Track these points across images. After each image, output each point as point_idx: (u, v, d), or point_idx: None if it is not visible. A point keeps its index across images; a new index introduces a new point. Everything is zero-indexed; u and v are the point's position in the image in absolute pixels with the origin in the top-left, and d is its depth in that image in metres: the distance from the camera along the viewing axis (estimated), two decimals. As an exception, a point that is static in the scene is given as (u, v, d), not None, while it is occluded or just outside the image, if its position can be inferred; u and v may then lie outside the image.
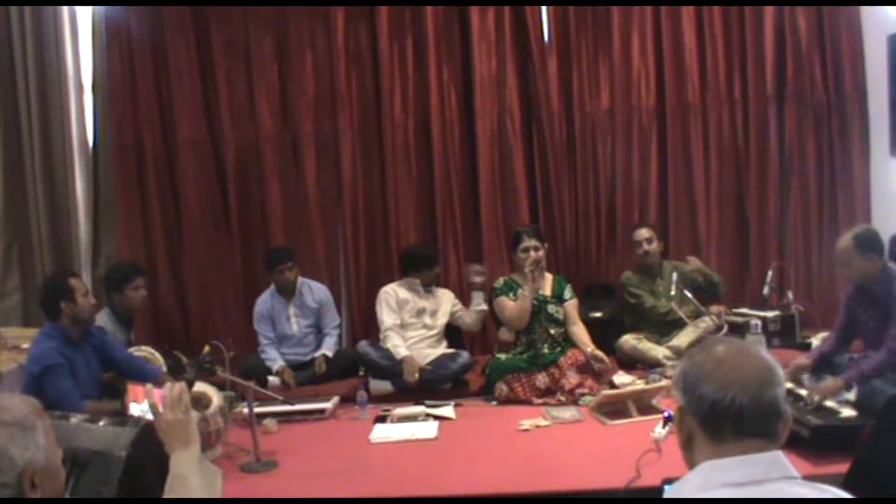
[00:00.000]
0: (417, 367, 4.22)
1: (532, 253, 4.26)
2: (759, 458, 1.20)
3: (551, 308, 4.32)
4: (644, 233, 4.61)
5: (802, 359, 3.55)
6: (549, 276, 4.43)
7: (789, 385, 3.38)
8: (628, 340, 4.49)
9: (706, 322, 4.39)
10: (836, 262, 3.39)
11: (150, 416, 1.95)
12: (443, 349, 4.45)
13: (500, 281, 4.43)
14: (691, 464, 1.26)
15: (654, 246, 4.59)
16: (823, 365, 3.53)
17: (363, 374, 4.26)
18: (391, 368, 4.23)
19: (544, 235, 4.59)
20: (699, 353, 1.28)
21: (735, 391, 1.20)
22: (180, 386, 1.72)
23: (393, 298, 4.49)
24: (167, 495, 1.62)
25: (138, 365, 3.62)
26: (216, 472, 1.69)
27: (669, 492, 1.25)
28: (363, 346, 4.39)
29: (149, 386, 1.73)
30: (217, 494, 1.66)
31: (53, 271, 4.69)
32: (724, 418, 1.21)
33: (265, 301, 4.66)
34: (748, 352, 1.27)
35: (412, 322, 4.47)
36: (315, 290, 4.72)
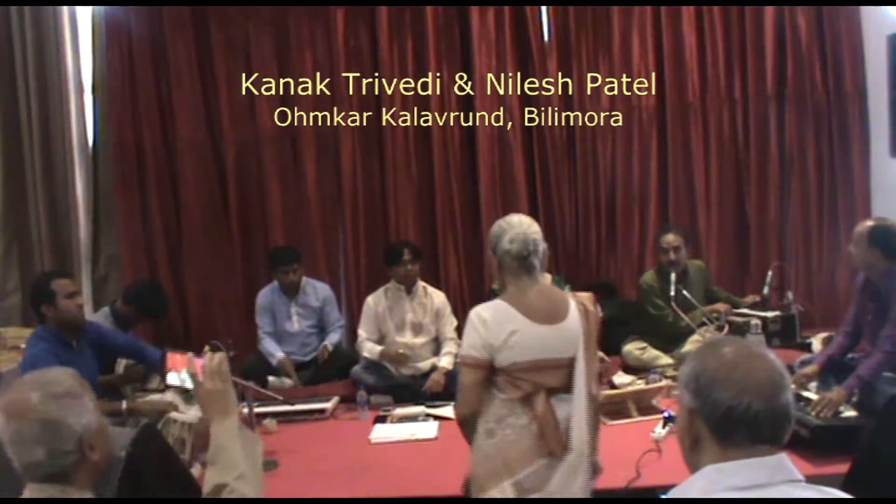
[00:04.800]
0: (394, 352, 4.24)
1: None
2: (763, 461, 1.19)
3: None
4: (671, 239, 4.41)
5: (809, 368, 3.51)
6: (547, 276, 4.42)
7: (794, 388, 3.36)
8: (631, 351, 4.46)
9: (710, 331, 4.35)
10: (852, 239, 3.40)
11: (188, 385, 1.95)
12: (436, 359, 4.34)
13: (497, 282, 4.43)
14: (695, 467, 1.25)
15: (683, 254, 4.43)
16: (831, 367, 3.51)
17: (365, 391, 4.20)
18: (389, 388, 4.23)
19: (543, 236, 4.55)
20: (709, 356, 1.26)
21: (751, 397, 1.18)
22: (220, 356, 1.71)
23: (371, 312, 4.41)
24: (210, 467, 1.63)
25: (140, 347, 3.63)
26: (255, 439, 1.70)
27: (672, 493, 1.25)
28: (357, 371, 4.33)
29: (190, 355, 1.72)
30: (258, 461, 1.67)
31: (39, 273, 4.64)
32: (739, 425, 1.19)
33: (266, 295, 4.67)
34: (759, 355, 1.24)
35: (398, 341, 4.35)
36: (319, 290, 4.73)
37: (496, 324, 2.23)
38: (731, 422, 1.19)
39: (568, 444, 2.25)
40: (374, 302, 4.44)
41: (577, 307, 2.31)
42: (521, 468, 2.21)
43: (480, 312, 2.27)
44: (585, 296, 2.41)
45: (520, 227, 2.33)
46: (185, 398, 3.45)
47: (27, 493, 1.44)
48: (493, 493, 2.23)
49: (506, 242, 2.31)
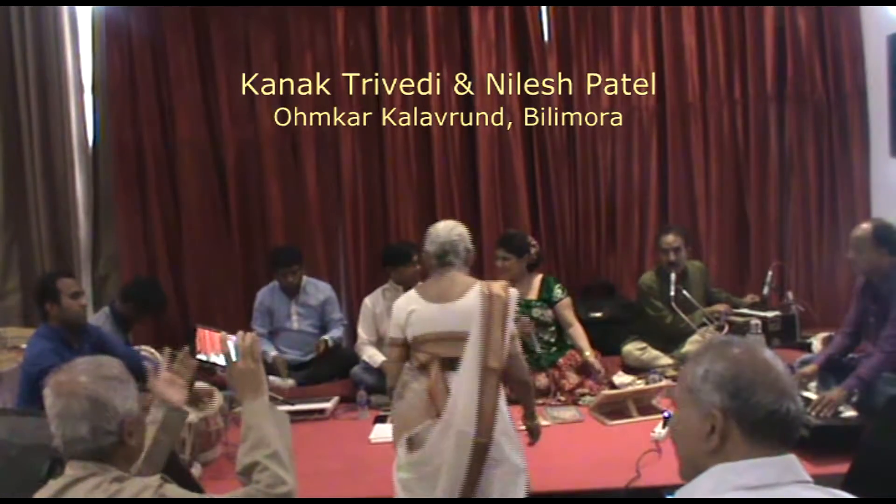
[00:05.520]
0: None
1: (498, 262, 4.27)
2: (772, 461, 1.19)
3: (536, 312, 4.26)
4: (671, 240, 4.38)
5: (808, 368, 3.51)
6: (536, 278, 4.38)
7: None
8: (631, 351, 4.45)
9: (710, 331, 4.33)
10: (850, 245, 3.39)
11: (219, 363, 1.94)
12: None
13: None
14: (703, 469, 1.23)
15: (682, 255, 4.41)
16: (830, 367, 3.51)
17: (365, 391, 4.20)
18: (389, 388, 4.21)
19: (528, 242, 4.40)
20: (739, 357, 1.24)
21: (787, 400, 1.21)
22: (252, 336, 1.76)
23: (369, 313, 4.43)
24: (243, 443, 1.65)
25: (138, 360, 3.60)
26: (284, 417, 1.75)
27: (680, 493, 1.24)
28: (357, 371, 4.34)
29: (224, 333, 1.76)
30: (288, 439, 1.70)
31: (45, 272, 4.67)
32: (777, 427, 1.20)
33: (265, 294, 4.67)
34: (776, 357, 1.26)
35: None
36: (320, 289, 4.72)
37: (401, 308, 2.74)
38: (770, 424, 1.20)
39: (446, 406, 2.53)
40: (371, 303, 4.45)
41: (481, 291, 2.56)
42: (414, 426, 2.58)
43: (397, 302, 2.80)
44: (497, 283, 2.61)
45: (441, 231, 2.79)
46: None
47: (69, 470, 1.52)
48: (399, 447, 2.62)
49: (427, 244, 2.79)
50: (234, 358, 1.74)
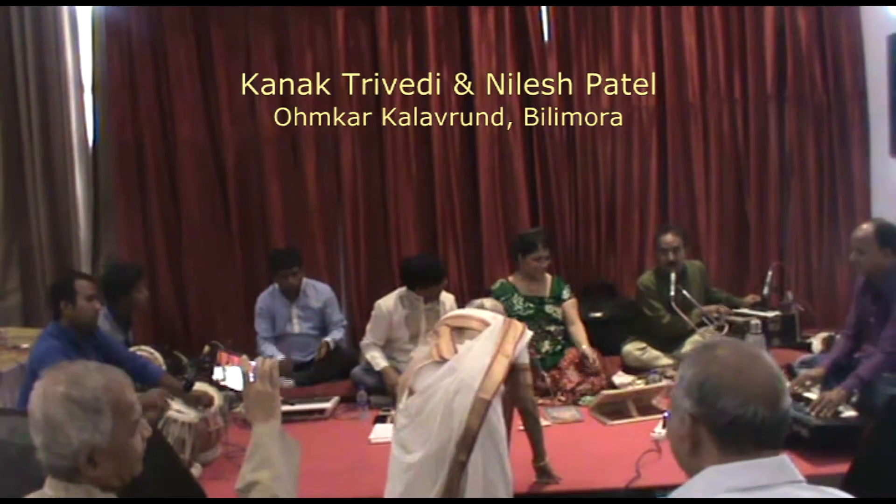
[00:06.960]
0: (396, 378, 4.11)
1: (543, 262, 4.35)
2: (764, 462, 1.19)
3: (549, 308, 4.36)
4: (671, 239, 4.37)
5: (814, 371, 3.51)
6: (548, 277, 4.45)
7: (796, 390, 3.38)
8: (631, 351, 4.45)
9: (710, 331, 4.33)
10: (852, 247, 3.38)
11: (232, 385, 1.95)
12: None
13: (498, 283, 4.45)
14: (695, 469, 1.24)
15: (682, 254, 4.41)
16: (837, 372, 3.50)
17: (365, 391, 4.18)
18: (388, 389, 4.20)
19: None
20: (711, 362, 1.24)
21: (756, 405, 1.19)
22: (272, 361, 1.77)
23: (383, 318, 4.31)
24: (247, 462, 1.64)
25: (141, 365, 3.60)
26: (296, 445, 1.74)
27: (673, 495, 1.25)
28: (357, 373, 4.32)
29: (244, 356, 1.79)
30: (296, 465, 1.70)
31: (66, 270, 4.67)
32: (745, 432, 1.19)
33: (265, 299, 4.66)
34: (759, 358, 1.25)
35: (407, 348, 4.28)
36: (320, 291, 4.72)
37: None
38: (737, 429, 1.19)
39: (452, 356, 2.67)
40: (387, 309, 4.32)
41: (504, 318, 2.86)
42: (414, 372, 2.71)
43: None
44: (518, 323, 2.87)
45: (477, 300, 3.20)
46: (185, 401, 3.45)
47: (47, 489, 1.41)
48: (401, 404, 2.72)
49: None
50: (251, 379, 1.73)
